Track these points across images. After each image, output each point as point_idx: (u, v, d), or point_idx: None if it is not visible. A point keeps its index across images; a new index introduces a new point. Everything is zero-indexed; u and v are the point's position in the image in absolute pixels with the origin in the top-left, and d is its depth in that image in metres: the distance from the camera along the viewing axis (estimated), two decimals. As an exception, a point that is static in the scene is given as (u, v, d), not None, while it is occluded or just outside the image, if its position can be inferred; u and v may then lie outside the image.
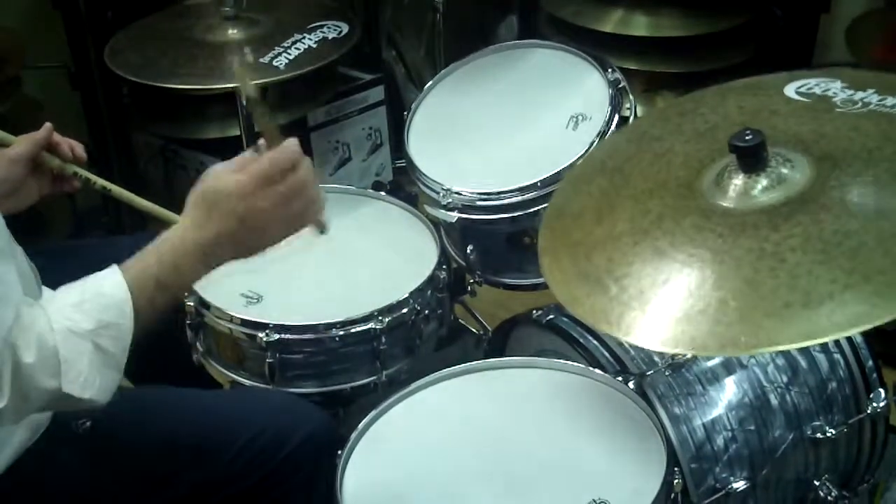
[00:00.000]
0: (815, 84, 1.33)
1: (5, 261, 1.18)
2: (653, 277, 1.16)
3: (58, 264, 1.43)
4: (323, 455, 1.41)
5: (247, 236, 1.22)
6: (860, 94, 1.27)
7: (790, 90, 1.34)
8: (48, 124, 1.60)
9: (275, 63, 2.01)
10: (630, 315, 1.14)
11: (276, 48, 2.05)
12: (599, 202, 1.34)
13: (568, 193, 1.43)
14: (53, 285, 1.40)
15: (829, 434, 1.52)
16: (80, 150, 1.63)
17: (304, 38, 2.09)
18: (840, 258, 1.06)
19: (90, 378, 1.16)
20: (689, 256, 1.15)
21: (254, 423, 1.44)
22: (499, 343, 1.76)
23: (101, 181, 1.66)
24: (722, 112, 1.36)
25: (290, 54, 2.03)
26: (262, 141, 1.24)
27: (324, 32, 2.13)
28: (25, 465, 1.33)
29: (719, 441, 1.46)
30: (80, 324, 1.17)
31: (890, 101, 1.24)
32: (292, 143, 1.22)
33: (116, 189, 1.69)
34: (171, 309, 1.32)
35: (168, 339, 1.50)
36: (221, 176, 1.22)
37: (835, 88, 1.30)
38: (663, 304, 1.13)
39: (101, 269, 1.69)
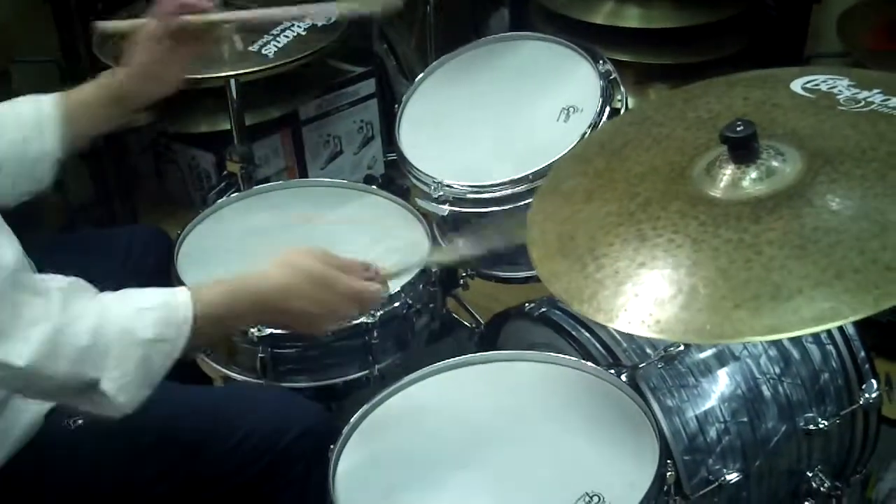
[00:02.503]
0: (823, 81, 1.33)
1: None
2: (630, 259, 1.17)
3: (51, 257, 1.43)
4: (319, 450, 1.41)
5: (307, 316, 1.32)
6: (865, 94, 1.28)
7: (797, 85, 1.34)
8: None
9: (264, 51, 2.00)
10: (602, 294, 1.16)
11: (266, 36, 2.04)
12: (593, 182, 1.35)
13: (564, 172, 1.44)
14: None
15: (821, 425, 1.52)
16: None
17: (293, 25, 2.07)
18: (815, 254, 1.07)
19: (129, 382, 1.17)
20: (669, 242, 1.16)
21: (250, 419, 1.44)
22: (491, 336, 1.76)
23: (239, 16, 1.65)
24: (727, 102, 1.37)
25: (279, 42, 2.02)
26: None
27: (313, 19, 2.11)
28: (22, 463, 1.33)
29: (712, 433, 1.46)
30: (140, 329, 1.18)
31: (894, 101, 1.25)
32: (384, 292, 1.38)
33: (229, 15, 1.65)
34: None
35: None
36: (325, 263, 1.33)
37: (841, 86, 1.31)
38: (636, 286, 1.14)
39: (94, 261, 1.71)
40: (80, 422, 1.36)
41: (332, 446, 1.38)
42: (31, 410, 1.34)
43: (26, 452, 1.33)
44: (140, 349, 1.17)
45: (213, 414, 1.46)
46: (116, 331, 1.16)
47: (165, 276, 1.71)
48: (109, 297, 1.21)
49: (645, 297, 1.13)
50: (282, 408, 1.49)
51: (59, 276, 1.20)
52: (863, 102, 1.26)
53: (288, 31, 2.06)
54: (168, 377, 1.28)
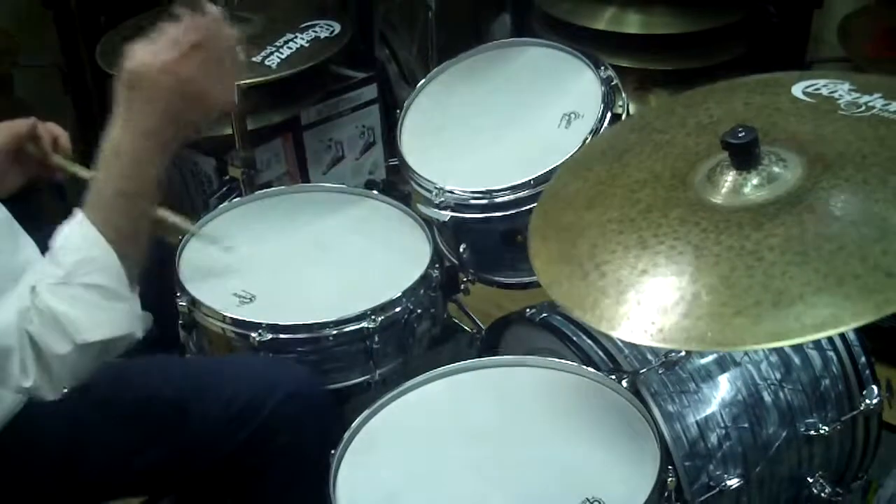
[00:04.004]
0: (824, 85, 1.33)
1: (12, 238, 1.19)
2: (632, 266, 1.17)
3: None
4: (309, 413, 1.41)
5: (186, 107, 1.23)
6: (866, 98, 1.27)
7: (798, 90, 1.34)
8: (32, 118, 1.58)
9: (267, 62, 2.01)
10: (604, 302, 1.16)
11: (269, 47, 2.05)
12: (594, 189, 1.35)
13: (566, 178, 1.44)
14: None
15: (822, 431, 1.52)
16: (64, 140, 1.60)
17: (296, 37, 2.09)
18: (817, 260, 1.07)
19: (94, 318, 1.16)
20: (670, 249, 1.16)
21: (234, 383, 1.45)
22: (492, 342, 1.76)
23: (85, 172, 1.62)
24: (727, 107, 1.37)
25: (282, 53, 2.03)
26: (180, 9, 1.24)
27: (316, 32, 2.13)
28: (12, 429, 1.32)
29: (713, 438, 1.46)
30: (55, 274, 1.17)
31: (894, 106, 1.24)
32: (210, 9, 1.25)
33: None
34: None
35: (160, 338, 1.50)
36: (139, 55, 1.22)
37: (842, 91, 1.30)
38: (638, 293, 1.14)
39: None
40: (64, 389, 1.36)
41: (332, 451, 1.38)
42: None
43: (16, 419, 1.33)
44: (70, 288, 1.17)
45: (197, 379, 1.46)
46: (45, 294, 1.16)
47: (156, 276, 1.71)
48: (26, 272, 1.21)
49: (647, 305, 1.13)
50: (266, 372, 1.50)
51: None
52: (864, 107, 1.26)
53: (291, 42, 2.07)
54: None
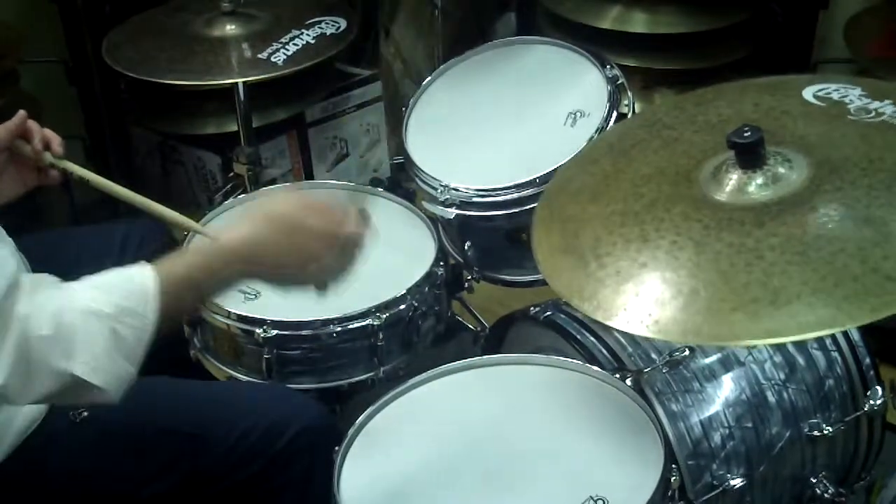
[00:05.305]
0: (835, 90, 1.33)
1: None
2: (632, 259, 1.18)
3: (51, 251, 1.42)
4: (319, 447, 1.41)
5: (286, 265, 1.27)
6: (876, 104, 1.28)
7: (808, 93, 1.35)
8: (21, 112, 1.55)
9: (273, 59, 2.01)
10: (602, 292, 1.17)
11: (275, 44, 2.05)
12: (599, 182, 1.35)
13: (572, 172, 1.45)
14: (46, 272, 1.40)
15: (826, 431, 1.52)
16: (56, 144, 1.57)
17: (302, 33, 2.08)
18: (816, 261, 1.07)
19: (103, 363, 1.14)
20: (671, 243, 1.17)
21: (251, 415, 1.45)
22: (496, 340, 1.76)
23: (78, 170, 1.60)
24: (737, 107, 1.37)
25: (288, 50, 2.03)
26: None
27: (322, 28, 2.12)
28: (25, 454, 1.33)
29: (716, 438, 1.46)
30: (100, 305, 1.15)
31: None
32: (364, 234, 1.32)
33: (94, 178, 1.61)
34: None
35: (169, 357, 1.49)
36: (296, 208, 1.27)
37: (852, 96, 1.31)
38: (636, 285, 1.15)
39: (92, 255, 1.70)
40: (84, 414, 1.36)
41: (336, 448, 1.38)
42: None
43: (29, 445, 1.34)
44: (105, 325, 1.14)
45: (213, 409, 1.47)
46: (78, 312, 1.14)
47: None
48: (73, 284, 1.19)
49: (645, 296, 1.14)
50: (282, 405, 1.50)
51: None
52: (873, 113, 1.26)
53: (297, 38, 2.07)
54: (171, 374, 1.28)
